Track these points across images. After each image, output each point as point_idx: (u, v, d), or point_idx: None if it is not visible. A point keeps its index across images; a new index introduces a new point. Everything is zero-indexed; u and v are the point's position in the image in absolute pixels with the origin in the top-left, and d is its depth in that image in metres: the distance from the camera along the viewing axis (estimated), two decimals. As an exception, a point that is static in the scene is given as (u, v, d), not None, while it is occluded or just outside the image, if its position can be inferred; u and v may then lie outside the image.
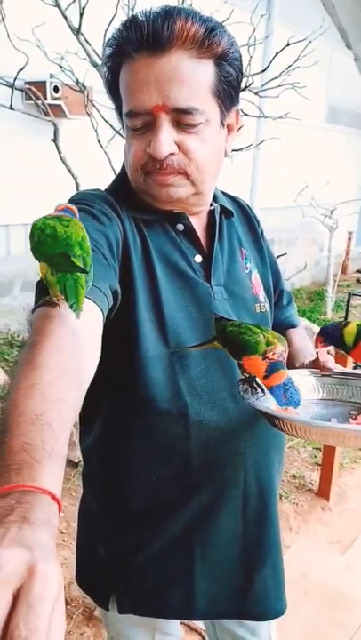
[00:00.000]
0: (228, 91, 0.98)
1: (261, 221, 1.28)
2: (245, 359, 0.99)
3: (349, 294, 5.50)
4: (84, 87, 2.68)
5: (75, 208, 0.87)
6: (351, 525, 2.91)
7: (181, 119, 0.94)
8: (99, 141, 2.62)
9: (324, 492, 3.11)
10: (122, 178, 1.07)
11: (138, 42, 0.91)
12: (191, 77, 0.92)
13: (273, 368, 0.97)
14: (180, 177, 0.98)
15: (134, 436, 1.04)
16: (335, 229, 6.89)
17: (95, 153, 2.64)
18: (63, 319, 0.75)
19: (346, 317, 5.52)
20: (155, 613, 1.13)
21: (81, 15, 2.39)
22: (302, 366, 1.16)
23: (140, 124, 0.95)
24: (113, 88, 1.00)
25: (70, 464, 3.06)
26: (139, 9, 2.48)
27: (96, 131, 2.62)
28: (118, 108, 1.02)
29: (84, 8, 2.38)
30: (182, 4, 2.42)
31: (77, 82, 2.70)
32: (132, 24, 0.92)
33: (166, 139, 0.94)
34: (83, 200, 0.98)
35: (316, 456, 3.49)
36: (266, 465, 1.12)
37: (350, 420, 1.03)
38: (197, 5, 2.47)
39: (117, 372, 0.99)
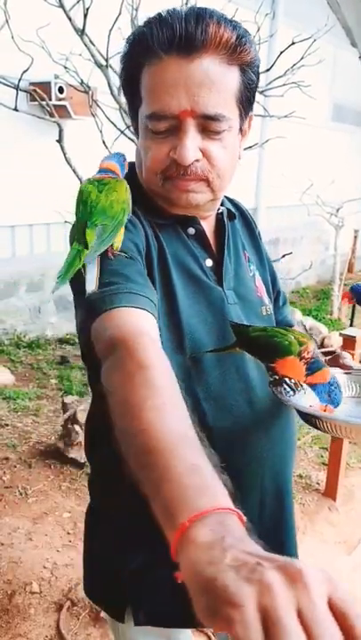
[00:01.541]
0: (249, 97, 0.98)
1: (267, 220, 1.28)
2: (279, 362, 0.99)
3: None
4: (89, 88, 2.68)
5: (116, 166, 0.94)
6: (358, 525, 2.90)
7: (208, 125, 0.92)
8: (103, 142, 2.62)
9: (330, 492, 3.09)
10: (132, 180, 1.05)
11: (168, 42, 0.88)
12: (220, 83, 0.91)
13: (315, 366, 0.99)
14: (201, 183, 0.97)
15: None
16: (341, 228, 6.87)
17: (100, 153, 2.63)
18: (150, 334, 0.79)
19: (352, 316, 5.50)
20: (173, 623, 1.11)
21: (85, 16, 2.40)
22: None
23: (164, 127, 0.92)
24: (130, 87, 0.97)
25: (76, 464, 3.06)
26: (142, 9, 2.48)
27: (101, 131, 2.62)
28: (133, 109, 0.99)
29: (87, 9, 2.39)
30: (186, 3, 2.41)
31: (82, 82, 2.70)
32: (161, 22, 0.89)
33: (192, 145, 0.92)
34: None
35: (322, 456, 3.48)
36: (283, 467, 1.12)
37: None
38: (202, 4, 2.47)
39: None
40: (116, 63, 2.54)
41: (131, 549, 1.06)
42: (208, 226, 1.08)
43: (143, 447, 0.60)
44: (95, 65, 2.50)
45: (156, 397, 0.66)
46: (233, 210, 1.16)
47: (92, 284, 0.85)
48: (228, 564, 0.45)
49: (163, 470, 0.57)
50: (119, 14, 2.42)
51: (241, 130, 1.00)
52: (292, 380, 1.02)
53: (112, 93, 2.55)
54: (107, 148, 2.62)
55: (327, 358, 1.17)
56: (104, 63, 2.49)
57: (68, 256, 0.88)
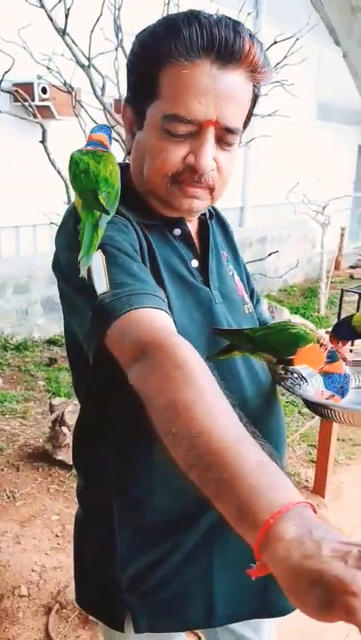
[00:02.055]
0: (252, 112, 1.00)
1: (253, 219, 1.29)
2: (300, 351, 0.99)
3: (342, 290, 5.51)
4: (72, 88, 2.67)
5: (106, 137, 0.95)
6: (347, 522, 2.91)
7: (224, 137, 0.93)
8: (87, 142, 2.61)
9: (319, 489, 3.11)
10: (122, 181, 1.04)
11: (207, 46, 0.86)
12: (242, 99, 0.93)
13: (335, 355, 1.01)
14: (207, 191, 0.97)
15: (154, 451, 0.98)
16: (327, 226, 6.90)
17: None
18: (178, 334, 0.79)
19: (339, 314, 5.53)
20: (174, 628, 1.10)
21: (66, 16, 2.39)
22: None
23: (184, 131, 0.91)
24: (144, 81, 0.93)
25: (64, 466, 3.05)
26: (125, 9, 2.48)
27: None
28: (141, 103, 0.95)
29: (69, 9, 2.38)
30: (168, 2, 2.41)
31: (65, 83, 2.69)
32: (200, 24, 0.86)
33: (211, 154, 0.93)
34: None
35: (310, 453, 3.49)
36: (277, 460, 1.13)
37: None
38: (185, 4, 2.47)
39: (129, 384, 0.97)
40: (99, 63, 2.54)
41: (128, 555, 1.04)
42: (192, 227, 1.08)
43: (205, 448, 0.61)
44: (78, 65, 2.49)
45: (205, 397, 0.66)
46: (211, 210, 1.16)
47: (102, 284, 0.83)
48: (329, 556, 0.46)
49: (232, 470, 0.57)
50: (101, 14, 2.41)
51: (241, 140, 1.02)
52: (300, 372, 1.05)
53: (95, 94, 2.54)
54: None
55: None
56: (86, 63, 2.48)
57: (84, 230, 0.87)
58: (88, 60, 2.48)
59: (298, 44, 2.74)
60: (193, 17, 0.87)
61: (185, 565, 1.04)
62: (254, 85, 0.95)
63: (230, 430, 0.63)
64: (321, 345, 0.99)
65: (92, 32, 2.40)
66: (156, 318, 0.81)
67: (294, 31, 2.78)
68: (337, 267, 8.81)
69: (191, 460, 0.62)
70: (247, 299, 1.17)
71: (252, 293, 1.29)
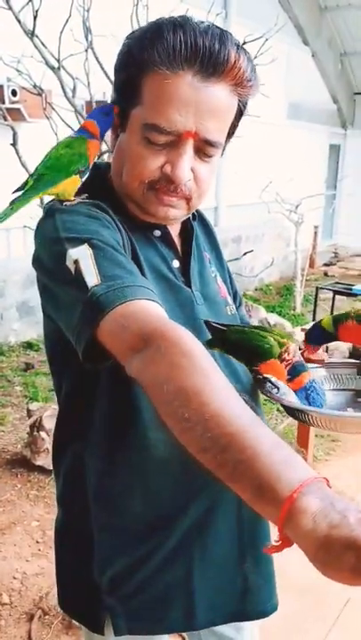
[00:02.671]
0: (236, 125, 0.99)
1: (228, 219, 1.29)
2: (263, 365, 0.99)
3: (317, 288, 5.57)
4: (42, 90, 2.65)
5: (94, 123, 0.98)
6: (327, 517, 2.94)
7: (204, 149, 0.93)
8: (59, 145, 2.59)
9: (299, 485, 3.13)
10: (101, 181, 1.04)
11: (191, 57, 0.85)
12: (225, 113, 0.92)
13: (296, 371, 0.99)
14: (183, 201, 0.98)
15: (132, 449, 0.99)
16: (301, 224, 6.97)
17: (56, 156, 2.61)
18: (167, 317, 0.81)
19: (314, 311, 5.59)
20: (155, 630, 1.09)
21: (35, 18, 2.36)
22: None
23: (163, 141, 0.91)
24: (127, 85, 0.93)
25: (44, 471, 3.03)
26: (93, 11, 2.46)
27: (56, 134, 2.59)
28: (123, 106, 0.95)
29: (37, 10, 2.36)
30: (137, 4, 2.41)
31: (35, 85, 2.66)
32: (179, 33, 0.85)
33: (189, 165, 0.93)
34: (80, 206, 0.95)
35: (290, 450, 3.52)
36: None
37: None
38: (153, 6, 2.46)
39: (111, 383, 0.96)
40: (69, 65, 2.52)
41: (105, 558, 1.04)
42: (174, 228, 1.08)
43: (221, 431, 0.62)
44: (48, 67, 2.47)
45: (214, 383, 0.68)
46: (194, 212, 1.16)
47: (93, 277, 0.82)
48: (356, 524, 0.49)
49: (250, 450, 0.59)
50: (69, 16, 2.40)
51: (223, 151, 1.02)
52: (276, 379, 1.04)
53: (66, 95, 2.52)
54: (63, 150, 2.59)
55: (299, 351, 1.19)
56: (56, 65, 2.46)
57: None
58: (58, 61, 2.46)
59: (267, 45, 2.75)
60: (179, 25, 0.86)
61: (164, 568, 1.03)
62: (240, 100, 0.94)
63: (242, 413, 0.65)
64: (282, 360, 0.99)
65: (61, 33, 2.38)
66: (153, 309, 0.81)
67: (263, 31, 2.80)
68: (311, 264, 8.90)
69: (206, 444, 0.63)
70: (230, 300, 1.17)
71: (234, 296, 1.29)
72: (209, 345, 1.01)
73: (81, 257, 0.84)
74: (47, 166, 0.97)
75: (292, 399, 1.02)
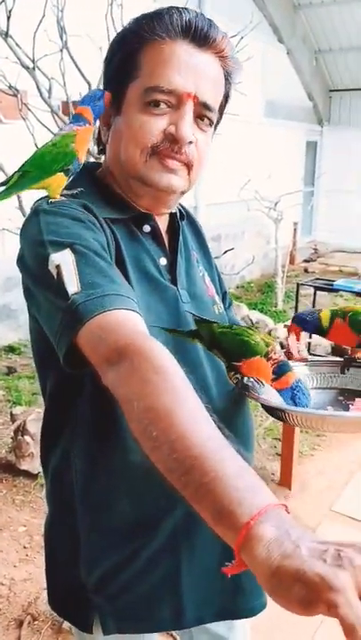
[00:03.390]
0: (223, 109, 1.05)
1: (207, 217, 1.30)
2: (246, 362, 0.98)
3: (298, 284, 5.59)
4: (17, 91, 2.62)
5: (88, 109, 1.00)
6: (314, 512, 2.96)
7: (203, 114, 0.98)
8: (36, 145, 2.57)
9: (285, 481, 3.15)
10: (87, 175, 1.04)
11: (183, 29, 0.94)
12: (217, 82, 0.99)
13: (282, 370, 0.99)
14: (185, 169, 0.99)
15: (114, 452, 0.99)
16: (280, 221, 7.01)
17: (33, 158, 2.59)
18: (144, 330, 0.81)
19: (296, 307, 5.61)
20: (143, 629, 1.10)
21: (8, 18, 2.34)
22: None
23: (164, 100, 0.95)
24: (124, 64, 0.98)
25: (29, 476, 3.00)
26: (68, 11, 2.44)
27: (33, 135, 2.56)
28: (121, 88, 0.98)
29: (10, 10, 2.33)
30: (111, 3, 2.40)
31: (10, 86, 2.63)
32: (174, 13, 0.95)
33: (191, 125, 0.96)
34: (65, 207, 0.95)
35: (275, 446, 3.54)
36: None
37: (350, 406, 1.08)
38: (128, 5, 2.45)
39: (92, 387, 0.95)
40: (44, 65, 2.50)
41: (92, 557, 1.04)
42: (161, 225, 1.08)
43: (187, 453, 0.62)
44: (22, 67, 2.44)
45: (185, 403, 0.68)
46: (182, 211, 1.16)
47: (73, 284, 0.82)
48: (308, 555, 0.50)
49: (213, 474, 0.60)
50: (43, 16, 2.38)
51: (213, 137, 1.05)
52: (258, 379, 1.02)
53: (41, 96, 2.50)
54: (40, 151, 2.57)
55: (283, 351, 1.19)
56: (31, 65, 2.44)
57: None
58: (33, 62, 2.44)
59: (243, 43, 2.76)
60: (174, 8, 0.96)
61: (151, 568, 1.04)
62: (228, 77, 1.01)
63: (209, 436, 0.65)
64: (269, 359, 0.98)
65: (35, 33, 2.36)
66: (130, 321, 0.81)
67: (238, 29, 2.81)
68: (292, 261, 8.96)
69: (172, 464, 0.64)
70: (218, 300, 1.18)
71: (224, 296, 1.30)
72: (191, 335, 1.01)
73: (63, 262, 0.84)
74: (32, 163, 0.98)
75: (273, 398, 1.01)
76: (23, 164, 0.99)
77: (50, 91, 2.54)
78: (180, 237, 1.11)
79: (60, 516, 1.12)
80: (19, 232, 0.98)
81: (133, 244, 1.02)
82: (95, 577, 1.04)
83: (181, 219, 1.14)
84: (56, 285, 0.84)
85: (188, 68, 0.94)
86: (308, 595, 0.48)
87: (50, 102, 2.51)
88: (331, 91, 11.33)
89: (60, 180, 0.97)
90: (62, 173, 0.98)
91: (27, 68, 2.43)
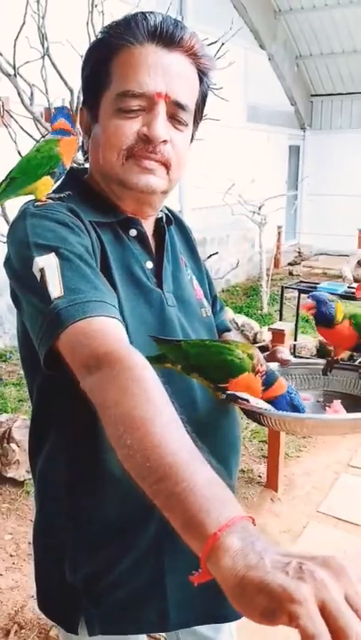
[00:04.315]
0: (201, 108, 1.06)
1: (192, 222, 1.30)
2: (233, 381, 0.94)
3: (283, 287, 5.63)
4: (-1, 98, 2.62)
5: (65, 122, 1.04)
6: (300, 513, 2.98)
7: (176, 113, 0.98)
8: (18, 152, 2.57)
9: (272, 483, 3.16)
10: (75, 179, 1.06)
11: (150, 32, 0.95)
12: (190, 80, 1.00)
13: (270, 379, 0.97)
14: (163, 168, 1.00)
15: (100, 452, 0.99)
16: (264, 225, 7.05)
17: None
18: (125, 338, 0.82)
19: (281, 310, 5.65)
20: (128, 631, 1.10)
21: (-11, 25, 2.34)
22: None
23: (137, 105, 0.95)
24: (97, 72, 0.99)
25: (15, 483, 2.98)
26: (49, 18, 2.45)
27: (15, 142, 2.56)
28: (95, 96, 1.00)
29: (-9, 17, 2.33)
30: (92, 10, 2.41)
31: (-9, 93, 2.63)
32: (140, 18, 0.96)
33: (163, 125, 0.97)
34: (51, 210, 0.95)
35: (262, 449, 3.55)
36: (226, 466, 1.12)
37: (327, 408, 1.08)
38: (108, 10, 2.46)
39: (72, 390, 0.96)
40: (25, 72, 2.50)
41: (78, 558, 1.05)
42: (148, 229, 1.09)
43: (160, 462, 0.64)
44: (3, 74, 2.44)
45: (161, 413, 0.69)
46: (170, 216, 1.17)
47: (56, 289, 0.83)
48: (271, 567, 0.51)
49: (184, 484, 0.61)
50: (24, 23, 2.38)
51: (192, 138, 1.07)
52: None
53: (23, 103, 2.50)
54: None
55: (265, 354, 1.19)
56: (12, 72, 2.44)
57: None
58: (14, 69, 2.44)
59: (224, 49, 2.78)
60: (140, 13, 0.98)
61: (135, 570, 1.04)
62: (202, 76, 1.02)
63: (183, 446, 0.66)
64: (257, 372, 0.96)
65: (16, 40, 2.36)
66: (111, 328, 0.82)
67: (220, 35, 2.83)
68: (276, 264, 9.01)
69: (144, 472, 0.65)
70: (205, 303, 1.18)
71: (215, 300, 1.30)
72: (159, 361, 0.96)
73: (47, 266, 0.85)
74: (18, 170, 1.00)
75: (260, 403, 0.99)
76: (9, 172, 1.01)
77: (32, 98, 2.55)
78: (167, 241, 1.12)
79: (46, 517, 1.12)
80: (3, 239, 0.99)
81: (119, 247, 1.02)
82: (80, 578, 1.04)
83: (170, 223, 1.15)
84: (39, 288, 0.85)
85: (157, 68, 0.95)
86: (271, 605, 0.49)
87: (32, 109, 2.52)
88: (312, 95, 11.44)
89: (47, 183, 0.99)
90: (49, 177, 1.00)
91: (8, 75, 2.43)
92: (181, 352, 0.97)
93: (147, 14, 0.97)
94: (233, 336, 1.34)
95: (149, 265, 1.06)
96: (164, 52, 0.96)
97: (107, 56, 0.97)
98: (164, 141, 0.97)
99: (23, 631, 2.13)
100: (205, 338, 1.11)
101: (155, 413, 0.69)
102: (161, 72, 0.95)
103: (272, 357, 1.18)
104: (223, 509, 0.59)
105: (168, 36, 0.95)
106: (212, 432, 1.09)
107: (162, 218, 1.12)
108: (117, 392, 0.72)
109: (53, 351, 0.83)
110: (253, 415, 1.00)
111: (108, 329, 0.81)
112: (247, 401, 0.97)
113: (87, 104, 1.03)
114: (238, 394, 0.96)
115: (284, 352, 1.22)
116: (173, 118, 0.98)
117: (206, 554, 0.57)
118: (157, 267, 1.08)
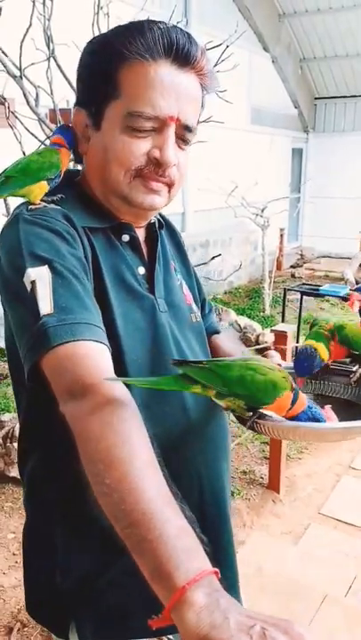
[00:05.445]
0: (198, 121, 1.04)
1: (195, 224, 1.30)
2: (277, 400, 0.92)
3: (285, 289, 5.64)
4: (5, 99, 2.64)
5: (62, 138, 1.03)
6: (302, 515, 2.98)
7: (183, 135, 0.98)
8: (24, 153, 2.58)
9: (273, 484, 3.17)
10: (68, 182, 1.04)
11: (167, 49, 0.92)
12: (197, 101, 0.99)
13: (295, 396, 0.94)
14: (167, 188, 1.01)
15: (77, 464, 1.00)
16: (267, 227, 7.05)
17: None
18: (110, 367, 0.82)
19: (283, 312, 5.66)
20: (118, 637, 1.08)
21: (-5, 27, 2.35)
22: None
23: (148, 127, 0.94)
24: (101, 79, 0.95)
25: (18, 482, 2.99)
26: (54, 20, 2.47)
27: (20, 143, 2.58)
28: (97, 102, 0.97)
29: (-3, 19, 2.35)
30: (97, 12, 2.42)
31: (-3, 94, 2.65)
32: (157, 30, 0.92)
33: (174, 148, 0.97)
34: (46, 218, 0.94)
35: (264, 450, 3.56)
36: (216, 473, 1.12)
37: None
38: (114, 12, 2.48)
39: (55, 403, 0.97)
40: (31, 74, 2.52)
41: (67, 563, 1.04)
42: (140, 234, 1.09)
43: (134, 507, 0.65)
44: (9, 76, 2.46)
45: (141, 457, 0.71)
46: (161, 220, 1.17)
47: (46, 305, 0.82)
48: (236, 629, 0.52)
49: (156, 533, 0.63)
50: (30, 25, 2.40)
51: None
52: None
53: (28, 104, 2.52)
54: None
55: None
56: (18, 74, 2.46)
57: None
58: (20, 70, 2.46)
59: (228, 51, 2.79)
60: (152, 22, 0.94)
61: (126, 577, 1.01)
62: (205, 94, 1.01)
63: (159, 493, 0.68)
64: (292, 389, 0.95)
65: (22, 42, 2.38)
66: (97, 355, 0.82)
67: (224, 38, 2.84)
68: (279, 267, 9.01)
69: (119, 514, 0.67)
70: (195, 308, 1.18)
71: (203, 304, 1.30)
72: (177, 383, 0.92)
73: (39, 278, 0.84)
74: (17, 169, 1.00)
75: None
76: (5, 170, 1.00)
77: (37, 99, 2.56)
78: (159, 247, 1.12)
79: (36, 522, 1.11)
80: None
81: (112, 253, 1.02)
82: (70, 582, 1.03)
83: (160, 227, 1.15)
84: (29, 300, 0.84)
85: (170, 90, 0.93)
86: None
87: (37, 110, 2.54)
88: (316, 98, 11.46)
89: (42, 188, 0.99)
90: (45, 182, 0.99)
91: (14, 76, 2.44)
92: (214, 375, 0.91)
93: (163, 28, 0.93)
94: (226, 337, 1.35)
95: (141, 271, 1.06)
96: (178, 72, 0.94)
97: (116, 65, 0.93)
98: (174, 164, 0.97)
99: (26, 629, 2.14)
100: (195, 343, 1.11)
101: (134, 455, 0.70)
102: (174, 94, 0.93)
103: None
104: (192, 562, 0.60)
105: (183, 55, 0.93)
106: (202, 437, 1.08)
107: (154, 223, 1.12)
108: (100, 426, 0.73)
109: (38, 367, 0.83)
110: (244, 421, 0.99)
111: (94, 355, 0.81)
112: (271, 418, 0.96)
113: (86, 107, 1.00)
114: (266, 412, 0.95)
115: (275, 356, 1.22)
116: (180, 139, 0.98)
117: (172, 606, 0.58)
118: (149, 272, 1.08)
